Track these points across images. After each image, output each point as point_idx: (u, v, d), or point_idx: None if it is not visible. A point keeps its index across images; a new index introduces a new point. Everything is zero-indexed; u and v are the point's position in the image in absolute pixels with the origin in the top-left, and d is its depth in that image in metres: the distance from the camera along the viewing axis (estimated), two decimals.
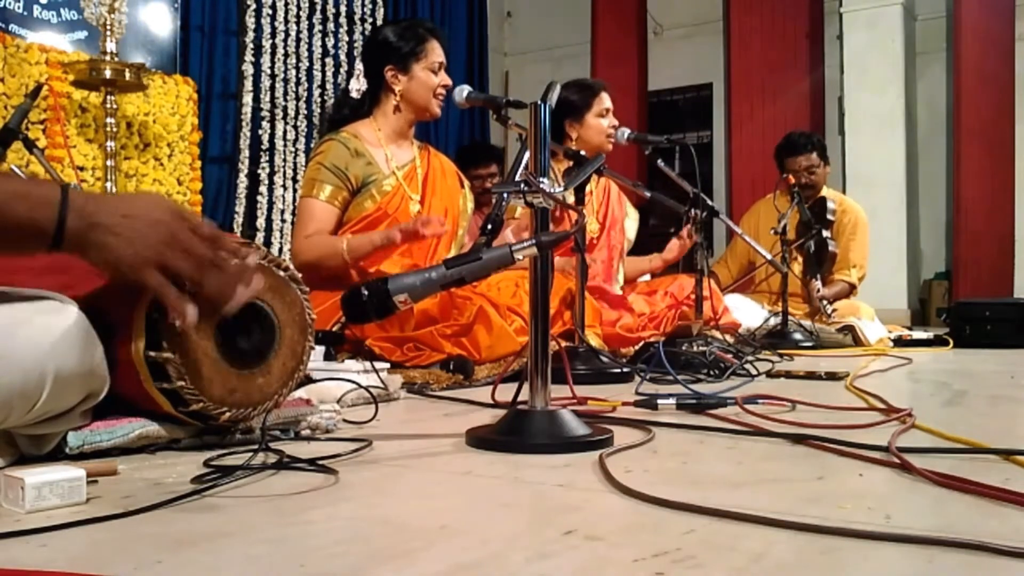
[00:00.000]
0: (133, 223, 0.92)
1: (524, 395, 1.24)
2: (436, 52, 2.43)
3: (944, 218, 6.47)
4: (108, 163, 3.49)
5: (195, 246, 0.95)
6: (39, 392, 0.90)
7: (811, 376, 2.11)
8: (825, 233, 3.71)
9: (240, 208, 4.86)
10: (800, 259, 3.73)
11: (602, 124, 2.99)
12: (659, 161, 2.69)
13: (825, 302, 3.56)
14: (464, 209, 2.59)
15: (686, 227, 2.93)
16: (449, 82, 2.39)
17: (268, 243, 4.94)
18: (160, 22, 4.31)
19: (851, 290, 3.97)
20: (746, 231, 3.85)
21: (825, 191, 3.96)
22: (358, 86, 2.48)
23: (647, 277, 3.38)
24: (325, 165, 2.33)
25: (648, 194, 2.56)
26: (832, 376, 2.06)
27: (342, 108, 2.51)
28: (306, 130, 5.19)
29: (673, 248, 3.05)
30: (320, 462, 0.99)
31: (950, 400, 1.77)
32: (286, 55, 5.15)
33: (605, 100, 3.00)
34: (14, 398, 0.88)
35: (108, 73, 3.39)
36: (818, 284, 3.65)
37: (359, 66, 2.53)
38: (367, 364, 1.68)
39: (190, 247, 0.94)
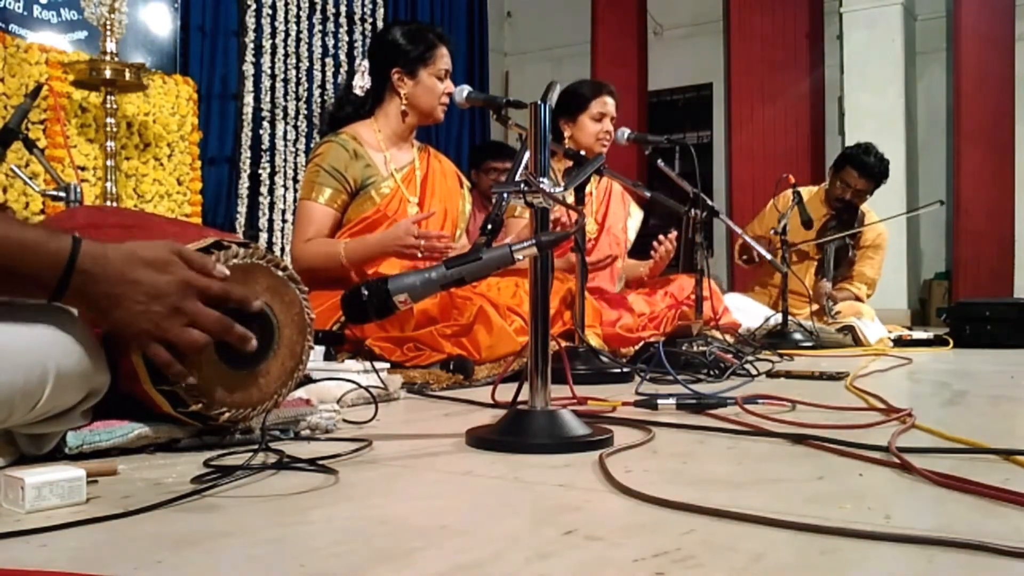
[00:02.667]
0: (137, 293, 0.92)
1: (524, 395, 1.24)
2: (444, 59, 2.43)
3: (944, 218, 6.47)
4: (108, 163, 3.49)
5: (200, 316, 0.95)
6: (41, 390, 0.90)
7: (811, 376, 2.11)
8: (849, 240, 3.73)
9: (241, 208, 4.86)
10: (815, 256, 3.75)
11: (594, 127, 2.98)
12: (659, 161, 2.69)
13: (831, 303, 3.57)
14: (463, 210, 2.59)
15: (670, 235, 2.92)
16: (452, 88, 2.39)
17: (269, 243, 4.94)
18: (160, 22, 4.31)
19: (855, 301, 3.99)
20: (771, 219, 3.87)
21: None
22: (362, 83, 2.47)
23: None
24: (324, 168, 2.33)
25: (648, 194, 2.56)
26: (832, 376, 2.06)
27: (344, 106, 2.50)
28: (306, 130, 5.20)
29: (660, 253, 3.02)
30: (320, 462, 0.99)
31: (950, 400, 1.77)
32: (286, 55, 5.16)
33: (604, 104, 2.99)
34: (16, 397, 0.88)
35: (108, 73, 3.39)
36: (828, 285, 3.66)
37: (364, 63, 2.51)
38: (367, 364, 1.67)
39: (194, 318, 0.95)
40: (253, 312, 1.04)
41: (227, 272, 1.02)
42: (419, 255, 2.17)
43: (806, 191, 4.10)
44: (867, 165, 3.82)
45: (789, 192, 4.04)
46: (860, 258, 3.98)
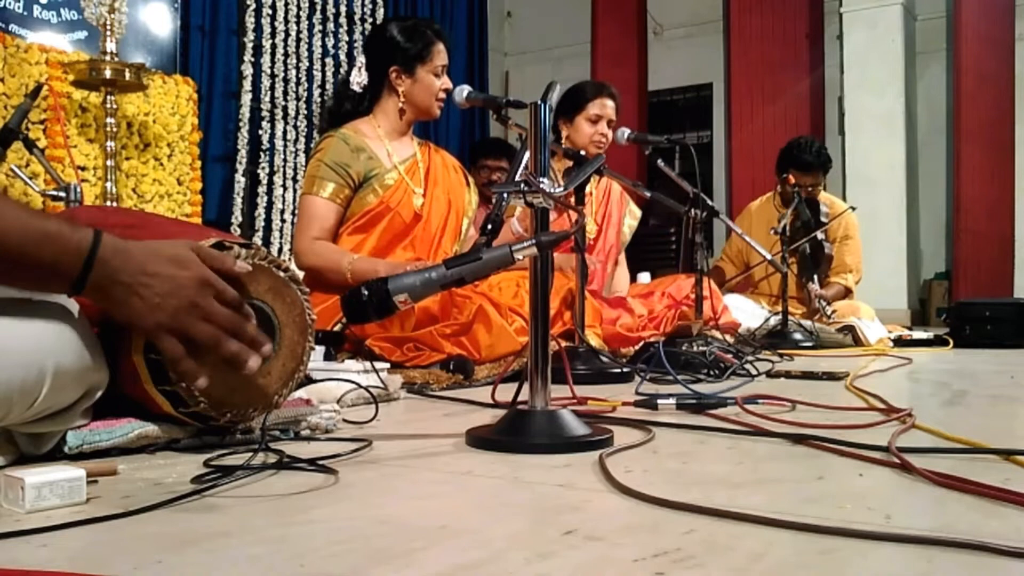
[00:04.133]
0: (156, 286, 0.92)
1: (524, 395, 1.24)
2: (441, 55, 2.44)
3: (944, 218, 6.47)
4: (108, 163, 3.49)
5: (215, 314, 0.95)
6: (39, 388, 0.90)
7: (811, 376, 2.11)
8: (820, 235, 3.71)
9: (240, 208, 4.86)
10: (794, 261, 3.73)
11: (589, 129, 2.98)
12: (659, 161, 2.69)
13: (824, 302, 3.56)
14: (469, 201, 2.58)
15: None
16: (450, 85, 2.39)
17: (267, 243, 4.94)
18: (160, 22, 4.31)
19: (847, 293, 3.97)
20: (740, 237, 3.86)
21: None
22: (359, 79, 2.47)
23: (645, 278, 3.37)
24: (326, 162, 2.33)
25: (648, 194, 2.56)
26: (832, 376, 2.06)
27: (342, 103, 2.50)
28: (306, 130, 5.20)
29: None
30: (320, 462, 0.99)
31: (950, 400, 1.77)
32: (286, 55, 5.16)
33: (603, 107, 2.99)
34: (14, 394, 0.88)
35: (108, 73, 3.39)
36: (815, 286, 3.65)
37: (361, 59, 2.51)
38: (367, 364, 1.67)
39: (210, 315, 0.95)
40: (257, 310, 1.04)
41: (248, 268, 1.03)
42: None
43: (756, 204, 4.11)
44: (806, 163, 3.82)
45: (751, 206, 4.06)
46: (837, 250, 3.96)
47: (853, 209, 3.99)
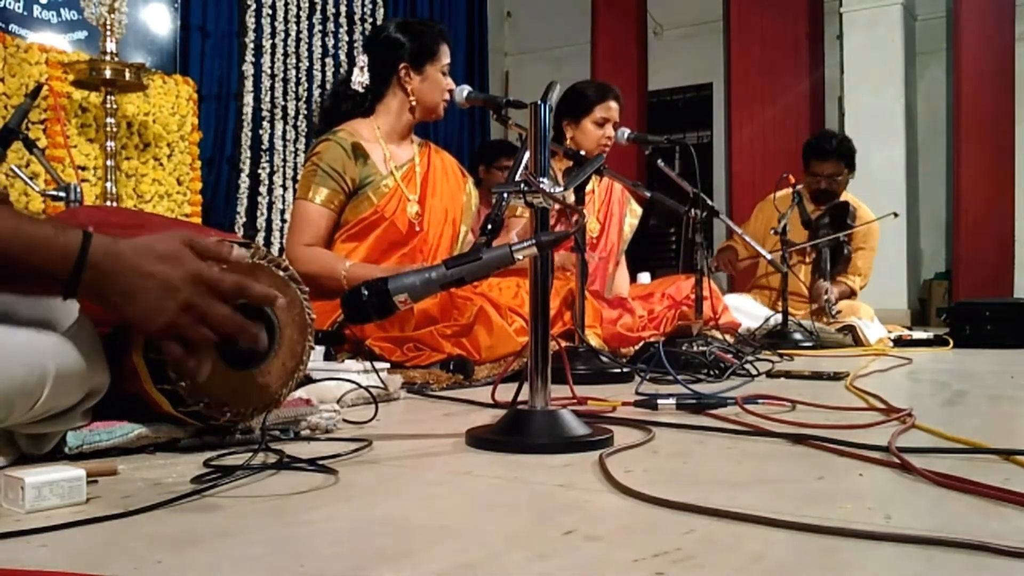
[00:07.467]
0: (150, 288, 0.91)
1: (524, 395, 1.24)
2: (447, 55, 2.44)
3: (944, 218, 6.47)
4: (108, 163, 3.49)
5: (211, 315, 0.94)
6: (40, 390, 0.90)
7: (811, 376, 2.11)
8: (843, 237, 3.72)
9: (240, 208, 4.86)
10: (808, 259, 3.74)
11: (596, 132, 2.98)
12: (659, 161, 2.69)
13: (830, 303, 3.57)
14: (467, 205, 2.57)
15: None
16: (453, 86, 2.39)
17: (268, 243, 4.95)
18: (160, 22, 4.32)
19: (851, 295, 3.98)
20: (759, 223, 3.87)
21: (847, 195, 3.95)
22: (362, 79, 2.45)
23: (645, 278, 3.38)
24: (321, 167, 2.31)
25: (648, 194, 2.55)
26: (832, 376, 2.06)
27: (342, 102, 2.47)
28: (306, 130, 5.20)
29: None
30: (320, 462, 0.99)
31: (950, 400, 1.77)
32: (286, 55, 5.16)
33: (608, 110, 2.98)
34: (15, 396, 0.88)
35: (108, 73, 3.39)
36: (827, 284, 3.66)
37: (363, 58, 2.49)
38: (367, 364, 1.67)
39: (206, 316, 0.94)
40: (257, 310, 1.04)
41: (246, 255, 1.02)
42: None
43: (783, 194, 4.11)
44: (825, 150, 3.85)
45: (770, 197, 4.07)
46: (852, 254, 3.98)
47: (895, 215, 4.03)
